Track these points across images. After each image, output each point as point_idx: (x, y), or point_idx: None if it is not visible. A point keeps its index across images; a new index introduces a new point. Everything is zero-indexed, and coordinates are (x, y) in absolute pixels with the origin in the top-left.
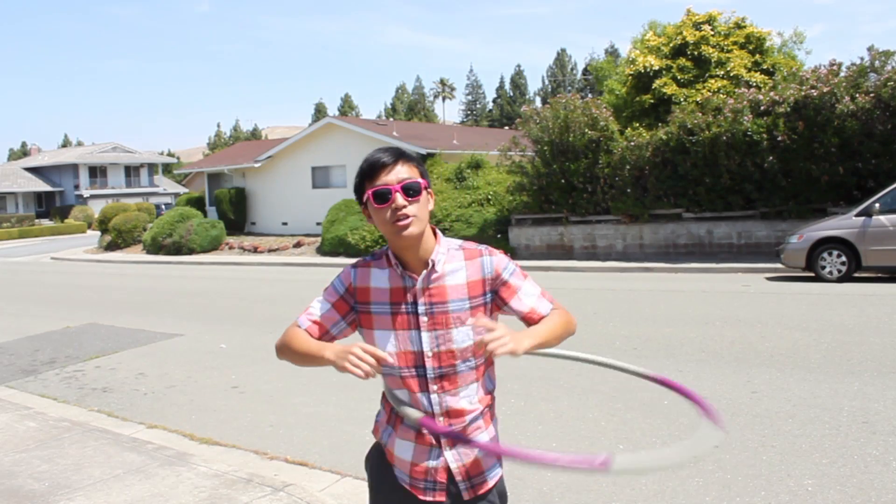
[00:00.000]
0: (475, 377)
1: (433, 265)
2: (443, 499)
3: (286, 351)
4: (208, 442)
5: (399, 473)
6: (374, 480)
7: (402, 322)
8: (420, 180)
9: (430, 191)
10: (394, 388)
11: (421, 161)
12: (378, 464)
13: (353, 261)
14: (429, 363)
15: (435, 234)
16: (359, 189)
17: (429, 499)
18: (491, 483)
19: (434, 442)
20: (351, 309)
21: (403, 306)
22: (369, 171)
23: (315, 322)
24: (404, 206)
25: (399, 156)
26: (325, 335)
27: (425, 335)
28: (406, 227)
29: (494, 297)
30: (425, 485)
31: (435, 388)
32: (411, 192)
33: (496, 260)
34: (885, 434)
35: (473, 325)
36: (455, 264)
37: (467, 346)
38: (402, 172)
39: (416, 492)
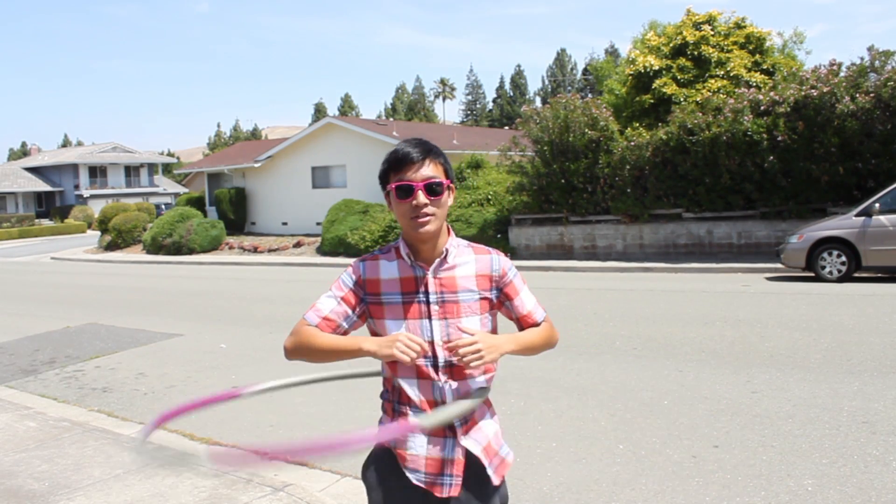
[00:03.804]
0: (482, 368)
1: (446, 254)
2: (457, 494)
3: (303, 350)
4: (208, 442)
5: (412, 474)
6: (378, 485)
7: (413, 311)
8: (444, 180)
9: (452, 187)
10: (400, 377)
11: (447, 157)
12: (382, 468)
13: (353, 260)
14: (439, 352)
15: (448, 229)
16: (383, 177)
17: (446, 494)
18: (509, 460)
19: (448, 432)
20: (360, 301)
21: (415, 295)
22: (397, 164)
23: (325, 318)
24: (426, 205)
25: (427, 153)
26: (337, 330)
27: (436, 324)
28: (424, 224)
29: (499, 295)
30: (443, 479)
31: (445, 376)
32: (434, 191)
33: (503, 261)
34: (885, 434)
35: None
36: (465, 257)
37: None
38: (428, 170)
39: (433, 489)
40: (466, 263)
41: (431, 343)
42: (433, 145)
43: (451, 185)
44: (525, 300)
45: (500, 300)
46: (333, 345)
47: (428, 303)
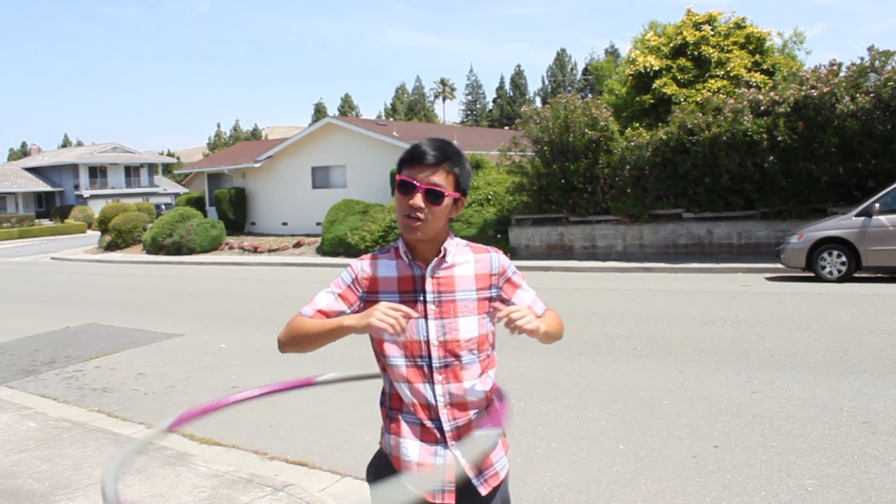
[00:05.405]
0: (480, 370)
1: (444, 254)
2: (452, 500)
3: (294, 338)
4: (208, 442)
5: (406, 479)
6: (375, 490)
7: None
8: (448, 192)
9: (461, 200)
10: (395, 380)
11: (465, 168)
12: (381, 472)
13: (352, 260)
14: (434, 352)
15: (448, 232)
16: (399, 167)
17: (438, 501)
18: (503, 475)
19: (439, 437)
20: (358, 299)
21: (412, 295)
22: (411, 160)
23: (320, 311)
24: (420, 208)
25: (443, 160)
26: None
27: (432, 324)
28: (414, 228)
29: (499, 293)
30: (433, 486)
31: (440, 378)
32: (433, 198)
33: (502, 259)
34: (885, 434)
35: (497, 314)
36: (464, 257)
37: (472, 337)
38: (436, 177)
39: (425, 495)
40: (465, 263)
41: (427, 343)
42: (453, 152)
43: (462, 197)
44: (524, 296)
45: (499, 297)
46: (319, 327)
47: (425, 302)
